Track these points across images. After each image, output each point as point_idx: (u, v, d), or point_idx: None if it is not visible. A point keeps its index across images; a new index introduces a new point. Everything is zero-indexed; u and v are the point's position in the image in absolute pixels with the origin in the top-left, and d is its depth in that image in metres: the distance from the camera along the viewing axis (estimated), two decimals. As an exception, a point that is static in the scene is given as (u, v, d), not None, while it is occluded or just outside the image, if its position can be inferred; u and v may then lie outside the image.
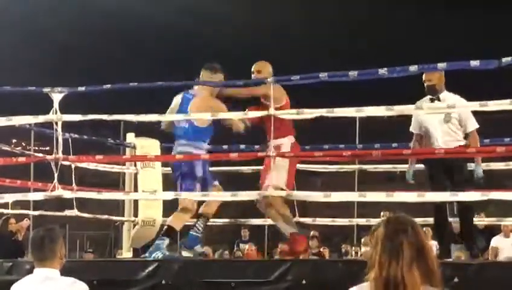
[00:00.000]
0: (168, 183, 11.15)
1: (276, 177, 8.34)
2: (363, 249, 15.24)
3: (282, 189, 8.37)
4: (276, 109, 8.11)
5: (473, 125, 8.41)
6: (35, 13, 27.34)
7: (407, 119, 8.69)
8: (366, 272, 3.13)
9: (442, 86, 8.42)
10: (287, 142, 8.59)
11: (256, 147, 10.95)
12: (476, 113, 8.24)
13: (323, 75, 7.82)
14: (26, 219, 12.79)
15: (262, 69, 8.82)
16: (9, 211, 11.49)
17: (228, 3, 28.12)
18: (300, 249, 8.61)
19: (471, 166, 8.59)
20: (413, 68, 7.47)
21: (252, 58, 8.89)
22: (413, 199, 7.59)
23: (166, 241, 8.51)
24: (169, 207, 11.74)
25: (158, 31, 27.62)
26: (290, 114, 8.16)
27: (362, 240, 15.63)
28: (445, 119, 8.36)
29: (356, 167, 11.46)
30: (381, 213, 12.85)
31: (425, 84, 8.40)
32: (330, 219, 11.66)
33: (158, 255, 8.28)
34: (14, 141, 10.43)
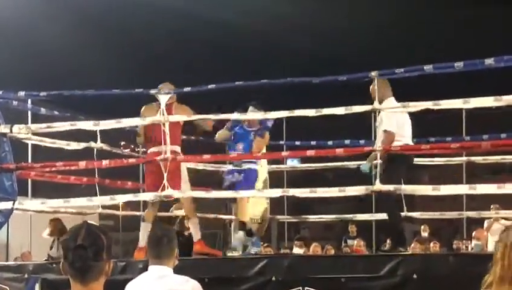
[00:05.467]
0: (273, 181, 11.20)
1: (185, 182, 9.13)
2: (473, 242, 14.96)
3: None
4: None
5: (384, 126, 8.51)
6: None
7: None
8: (489, 265, 3.08)
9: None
10: (179, 150, 9.17)
11: (361, 141, 10.88)
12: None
13: (428, 67, 7.71)
14: None
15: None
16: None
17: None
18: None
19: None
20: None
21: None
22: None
23: None
24: (276, 204, 11.79)
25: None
26: (395, 108, 8.06)
27: (473, 233, 15.33)
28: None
29: (464, 159, 11.22)
30: (491, 206, 12.58)
31: None
32: (439, 213, 11.44)
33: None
34: (122, 143, 10.60)
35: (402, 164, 8.50)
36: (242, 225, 9.98)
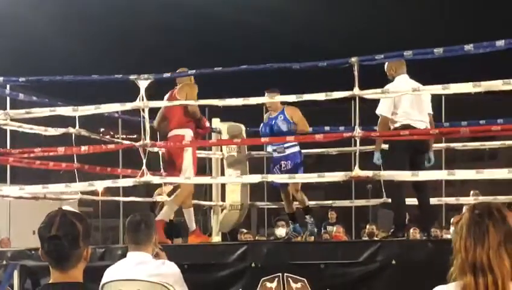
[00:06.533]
0: (253, 167, 11.20)
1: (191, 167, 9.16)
2: (451, 229, 15.02)
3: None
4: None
5: (377, 109, 8.58)
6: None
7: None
8: (451, 258, 3.09)
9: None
10: (189, 133, 9.19)
11: (341, 128, 10.88)
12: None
13: (408, 53, 7.71)
14: None
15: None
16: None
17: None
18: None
19: None
20: (500, 43, 7.26)
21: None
22: (504, 176, 7.41)
23: None
24: (258, 191, 11.77)
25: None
26: (375, 94, 8.03)
27: (451, 220, 15.39)
28: None
29: (443, 145, 11.24)
30: (471, 192, 12.61)
31: None
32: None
33: None
34: (102, 129, 10.55)
35: (399, 150, 8.49)
36: (307, 210, 10.09)
